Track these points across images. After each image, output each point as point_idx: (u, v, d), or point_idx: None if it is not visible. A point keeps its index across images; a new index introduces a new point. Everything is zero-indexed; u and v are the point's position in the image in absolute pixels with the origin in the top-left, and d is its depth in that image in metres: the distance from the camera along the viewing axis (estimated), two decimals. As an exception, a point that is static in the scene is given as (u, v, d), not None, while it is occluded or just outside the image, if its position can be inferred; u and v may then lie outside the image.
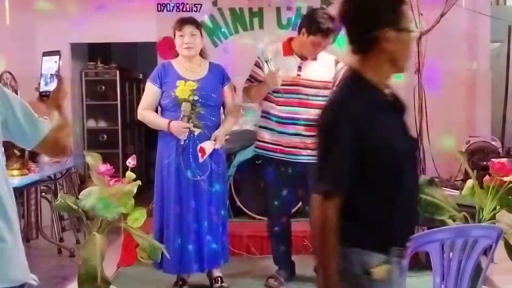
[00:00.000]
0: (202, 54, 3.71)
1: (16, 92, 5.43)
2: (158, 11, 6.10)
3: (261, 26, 6.15)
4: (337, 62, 3.77)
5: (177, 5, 6.04)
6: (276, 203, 3.83)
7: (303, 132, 3.66)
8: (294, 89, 3.67)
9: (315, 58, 3.74)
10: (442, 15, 4.79)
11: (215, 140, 3.56)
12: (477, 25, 5.98)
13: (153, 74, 3.64)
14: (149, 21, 6.07)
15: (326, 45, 3.68)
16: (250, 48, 6.09)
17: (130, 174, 3.30)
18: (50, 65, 2.17)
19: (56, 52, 2.17)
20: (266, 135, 3.78)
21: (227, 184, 3.82)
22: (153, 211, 3.76)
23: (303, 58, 3.72)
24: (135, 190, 3.42)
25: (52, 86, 2.07)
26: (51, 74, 2.13)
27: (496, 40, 6.57)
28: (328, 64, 3.75)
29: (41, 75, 2.15)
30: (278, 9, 6.11)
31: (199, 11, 6.03)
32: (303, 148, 3.66)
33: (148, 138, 7.40)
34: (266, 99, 3.77)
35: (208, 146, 3.53)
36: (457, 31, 5.91)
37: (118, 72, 6.94)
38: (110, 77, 6.91)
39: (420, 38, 4.80)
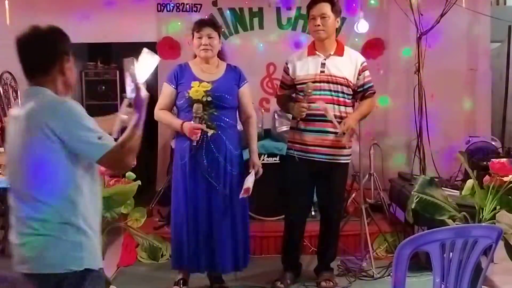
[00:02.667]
0: (221, 55, 3.70)
1: (16, 92, 5.44)
2: (158, 11, 6.10)
3: (261, 26, 6.15)
4: (362, 62, 3.76)
5: (177, 5, 6.04)
6: (298, 205, 3.85)
7: (330, 129, 3.66)
8: (317, 86, 3.67)
9: (340, 54, 3.75)
10: (442, 15, 4.79)
11: (253, 168, 3.63)
12: (477, 25, 5.97)
13: (170, 75, 3.65)
14: (149, 21, 6.07)
15: (325, 17, 3.65)
16: (250, 48, 6.09)
17: (130, 174, 3.30)
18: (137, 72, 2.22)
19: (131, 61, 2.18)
20: (294, 135, 3.79)
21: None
22: (171, 210, 3.76)
23: (328, 55, 3.73)
24: (135, 190, 3.41)
25: (133, 94, 2.15)
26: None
27: (496, 40, 6.56)
28: (353, 61, 3.75)
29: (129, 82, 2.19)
30: (278, 9, 6.10)
31: (199, 11, 6.03)
32: (329, 147, 3.67)
33: (148, 138, 7.39)
34: (295, 100, 3.78)
35: (250, 181, 3.56)
36: (457, 31, 5.91)
37: (118, 72, 6.94)
38: (110, 77, 6.90)
39: (420, 38, 4.80)
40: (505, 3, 7.59)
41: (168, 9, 6.08)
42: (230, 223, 3.60)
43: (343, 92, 3.70)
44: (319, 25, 3.65)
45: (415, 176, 4.42)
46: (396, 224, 4.66)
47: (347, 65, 3.73)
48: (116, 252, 4.27)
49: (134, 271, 4.19)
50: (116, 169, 2.25)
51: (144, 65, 2.32)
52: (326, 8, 3.65)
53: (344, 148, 3.74)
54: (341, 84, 3.69)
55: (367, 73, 3.77)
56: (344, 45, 3.85)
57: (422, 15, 4.80)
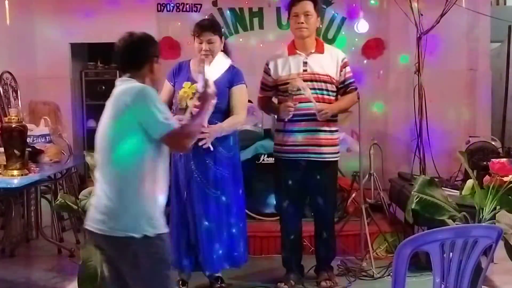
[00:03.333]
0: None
1: (16, 92, 5.44)
2: (158, 11, 6.11)
3: (261, 26, 6.16)
4: (343, 59, 3.76)
5: (177, 5, 6.05)
6: (290, 206, 3.83)
7: (316, 128, 3.67)
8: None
9: (321, 51, 3.74)
10: (442, 15, 4.79)
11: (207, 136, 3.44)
12: (477, 25, 5.97)
13: (169, 72, 3.69)
14: (149, 21, 6.06)
15: (308, 15, 3.64)
16: (250, 48, 6.10)
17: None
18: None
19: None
20: (281, 137, 3.78)
21: (239, 190, 3.71)
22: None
23: (309, 53, 3.72)
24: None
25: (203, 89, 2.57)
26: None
27: (496, 40, 6.57)
28: (334, 58, 3.74)
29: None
30: (278, 9, 6.11)
31: (199, 11, 6.04)
32: (317, 145, 3.68)
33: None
34: (279, 101, 3.78)
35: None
36: (457, 31, 5.92)
37: (118, 72, 6.92)
38: (110, 77, 6.87)
39: (420, 38, 4.80)
40: (505, 3, 7.59)
41: (168, 9, 6.09)
42: (225, 224, 3.60)
43: (327, 90, 3.70)
44: (302, 23, 3.65)
45: (415, 176, 4.42)
46: (396, 224, 4.66)
47: (329, 62, 3.73)
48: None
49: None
50: (175, 149, 2.55)
51: (216, 66, 2.71)
52: (309, 6, 3.66)
53: (332, 146, 3.74)
54: (325, 82, 3.69)
55: (348, 69, 3.77)
56: (324, 43, 3.86)
57: (422, 15, 4.80)
